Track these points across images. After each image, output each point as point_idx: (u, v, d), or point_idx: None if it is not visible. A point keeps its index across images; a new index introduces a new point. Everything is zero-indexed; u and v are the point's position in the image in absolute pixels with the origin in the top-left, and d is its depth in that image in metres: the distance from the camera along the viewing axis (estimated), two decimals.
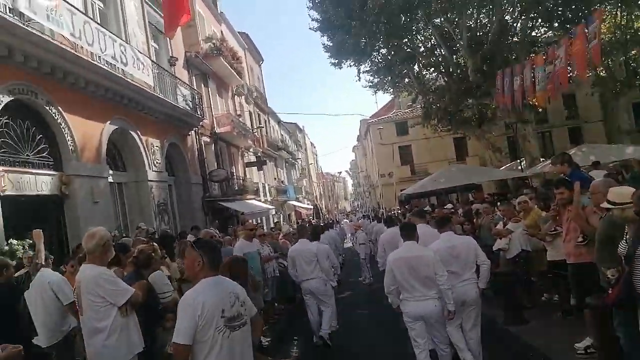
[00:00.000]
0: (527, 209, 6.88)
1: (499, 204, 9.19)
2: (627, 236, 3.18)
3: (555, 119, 35.27)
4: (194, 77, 17.97)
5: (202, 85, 19.11)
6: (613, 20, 21.31)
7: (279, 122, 41.49)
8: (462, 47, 20.75)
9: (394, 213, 20.56)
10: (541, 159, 21.83)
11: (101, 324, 3.29)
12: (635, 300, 2.97)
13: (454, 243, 4.86)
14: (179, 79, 15.42)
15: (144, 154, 12.64)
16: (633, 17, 21.54)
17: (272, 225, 20.60)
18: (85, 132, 10.30)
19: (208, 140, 18.74)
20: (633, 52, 23.38)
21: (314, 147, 78.61)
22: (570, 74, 14.69)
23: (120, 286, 3.41)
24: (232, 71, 21.67)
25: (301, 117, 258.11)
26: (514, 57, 19.91)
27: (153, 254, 3.89)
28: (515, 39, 21.01)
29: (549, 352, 5.06)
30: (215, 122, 19.78)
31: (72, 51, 9.50)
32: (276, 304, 9.63)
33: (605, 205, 3.33)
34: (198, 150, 17.19)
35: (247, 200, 21.78)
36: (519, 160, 22.86)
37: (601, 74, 24.43)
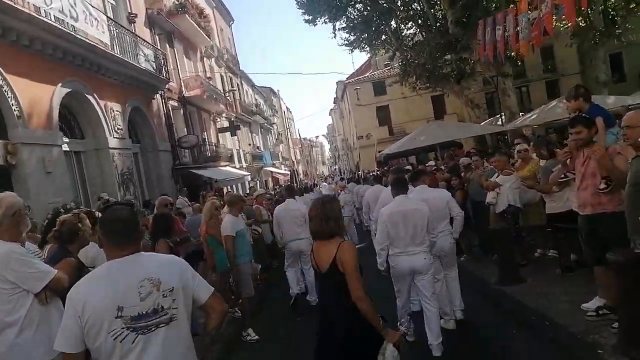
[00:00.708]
0: (527, 158, 6.33)
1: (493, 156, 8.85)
2: None
3: (532, 73, 34.94)
4: (157, 37, 16.70)
5: (168, 46, 17.86)
6: None
7: (252, 86, 40.11)
8: None
9: (374, 173, 20.20)
10: (520, 114, 21.49)
11: (12, 317, 2.56)
12: None
13: (426, 196, 4.86)
14: (140, 37, 14.21)
15: (103, 119, 11.63)
16: None
17: (247, 191, 19.86)
18: (33, 95, 9.25)
19: (176, 104, 17.65)
20: None
21: (290, 111, 77.19)
22: (555, 19, 13.99)
23: (36, 267, 2.65)
24: (200, 31, 20.35)
25: (276, 81, 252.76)
26: (495, 6, 19.07)
27: (80, 225, 3.13)
28: None
29: (554, 314, 4.52)
30: (183, 86, 18.63)
31: (12, 4, 8.35)
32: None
33: None
34: (165, 115, 16.15)
35: (220, 167, 20.91)
36: (498, 116, 22.50)
37: (580, 23, 23.83)
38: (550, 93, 33.71)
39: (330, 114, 78.33)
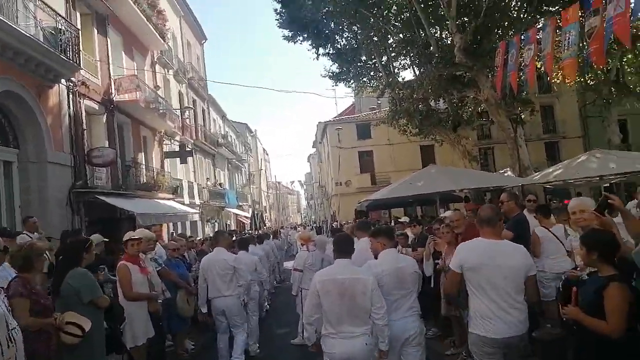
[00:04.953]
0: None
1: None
2: None
3: (531, 133, 31.90)
4: (78, 14, 12.43)
5: (96, 31, 13.58)
6: None
7: (223, 116, 36.03)
8: (449, 16, 16.18)
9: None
10: (534, 169, 17.82)
11: None
12: None
13: (400, 264, 4.01)
14: None
15: None
16: None
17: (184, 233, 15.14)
18: None
19: (96, 107, 13.14)
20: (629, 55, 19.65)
21: (267, 154, 73.28)
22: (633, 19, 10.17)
23: None
24: (149, 26, 16.25)
25: (254, 122, 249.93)
26: (513, 30, 15.63)
27: None
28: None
29: None
30: (112, 86, 14.22)
31: None
32: None
33: None
34: (72, 117, 11.60)
35: (158, 200, 16.22)
36: (507, 169, 18.82)
37: (589, 81, 20.81)
38: (549, 155, 30.68)
39: (308, 160, 74.64)
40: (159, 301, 5.07)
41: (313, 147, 55.47)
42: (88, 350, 3.52)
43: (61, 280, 3.62)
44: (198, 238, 14.54)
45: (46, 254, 5.18)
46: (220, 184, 29.65)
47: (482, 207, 3.89)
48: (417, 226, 7.16)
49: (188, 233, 19.52)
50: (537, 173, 15.27)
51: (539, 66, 12.16)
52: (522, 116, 18.59)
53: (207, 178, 26.44)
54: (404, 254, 6.69)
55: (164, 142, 19.18)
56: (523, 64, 11.51)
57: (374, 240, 4.19)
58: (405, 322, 3.89)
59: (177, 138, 20.82)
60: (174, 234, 15.25)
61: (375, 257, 4.15)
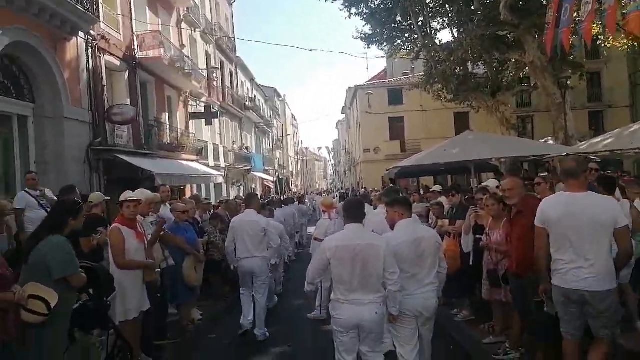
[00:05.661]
0: None
1: None
2: None
3: (575, 101, 30.00)
4: None
5: None
6: None
7: (252, 79, 35.28)
8: None
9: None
10: (577, 140, 16.63)
11: None
12: None
13: (419, 235, 3.79)
14: None
15: None
16: None
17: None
18: None
19: (117, 64, 12.63)
20: None
21: (295, 119, 72.44)
22: None
23: None
24: None
25: (283, 87, 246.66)
26: None
27: None
28: None
29: None
30: (135, 42, 13.66)
31: None
32: None
33: None
34: (91, 72, 11.13)
35: (181, 161, 15.86)
36: (548, 138, 17.59)
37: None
38: (593, 125, 28.86)
39: (337, 127, 73.46)
40: (158, 270, 4.51)
41: (342, 113, 54.29)
42: (48, 331, 2.92)
43: (34, 245, 3.08)
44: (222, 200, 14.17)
45: None
46: (246, 148, 29.24)
47: (564, 159, 3.71)
48: (457, 195, 6.41)
49: (212, 195, 19.27)
50: (584, 142, 14.14)
51: (597, 23, 10.90)
52: (569, 82, 17.19)
53: (234, 141, 26.01)
54: (440, 226, 6.03)
55: (189, 103, 18.68)
56: (578, 19, 10.31)
57: (390, 210, 3.98)
58: (425, 297, 3.72)
59: (203, 99, 20.31)
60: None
61: (392, 228, 3.94)
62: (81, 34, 10.69)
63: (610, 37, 17.34)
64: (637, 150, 12.35)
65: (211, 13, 23.60)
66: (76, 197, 5.01)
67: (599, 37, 16.73)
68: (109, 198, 5.47)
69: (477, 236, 5.30)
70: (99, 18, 10.77)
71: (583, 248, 3.29)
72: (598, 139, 12.98)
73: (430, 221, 7.00)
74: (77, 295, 3.26)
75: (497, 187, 5.87)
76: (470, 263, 5.40)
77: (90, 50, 11.11)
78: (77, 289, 3.16)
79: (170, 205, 6.38)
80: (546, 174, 11.67)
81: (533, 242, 3.88)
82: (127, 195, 4.30)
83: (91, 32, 11.07)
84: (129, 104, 12.67)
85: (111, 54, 12.22)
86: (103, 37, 11.67)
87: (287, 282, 9.06)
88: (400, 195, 5.26)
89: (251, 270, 5.88)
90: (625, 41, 17.88)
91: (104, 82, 11.74)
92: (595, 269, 3.25)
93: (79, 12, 9.85)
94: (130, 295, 4.06)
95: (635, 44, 18.33)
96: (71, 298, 3.13)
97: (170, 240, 5.35)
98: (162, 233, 4.98)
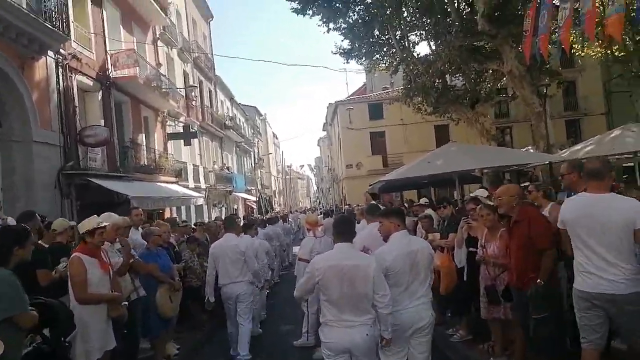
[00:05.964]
0: None
1: None
2: None
3: (551, 110, 30.44)
4: None
5: (90, 3, 12.60)
6: None
7: (231, 98, 35.01)
8: None
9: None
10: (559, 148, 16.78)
11: None
12: None
13: (413, 247, 3.68)
14: None
15: None
16: None
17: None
18: None
19: (90, 84, 12.22)
20: None
21: (277, 138, 72.24)
22: None
23: None
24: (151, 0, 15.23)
25: (263, 105, 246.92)
26: None
27: None
28: None
29: None
30: (109, 61, 13.27)
31: None
32: None
33: None
34: (62, 92, 10.70)
35: (159, 183, 15.38)
36: (530, 147, 17.67)
37: (616, 53, 19.32)
38: (570, 134, 29.27)
39: (318, 144, 73.42)
40: (125, 303, 4.07)
41: (323, 129, 54.28)
42: None
43: None
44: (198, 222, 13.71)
45: None
46: (228, 168, 28.79)
47: (589, 159, 3.76)
48: (448, 207, 6.16)
49: (193, 218, 18.74)
50: (564, 150, 14.19)
51: (575, 30, 10.91)
52: (547, 90, 17.32)
53: (214, 161, 25.57)
54: (431, 240, 5.74)
55: (167, 123, 18.28)
56: (556, 25, 10.31)
57: (385, 221, 3.84)
58: (418, 310, 3.61)
59: (182, 119, 19.92)
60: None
61: (385, 240, 3.83)
62: (51, 53, 10.29)
63: (585, 46, 17.62)
64: (618, 157, 12.41)
65: (188, 31, 23.35)
66: (36, 224, 4.60)
67: (573, 45, 16.96)
68: (74, 223, 5.05)
69: (471, 249, 5.03)
70: (69, 36, 10.40)
71: (601, 250, 3.21)
72: (579, 146, 13.02)
73: (419, 235, 6.72)
74: (30, 337, 2.85)
75: (487, 196, 5.65)
76: (464, 278, 5.11)
77: (60, 69, 10.70)
78: (27, 330, 2.75)
79: (142, 229, 5.96)
80: (528, 183, 11.58)
81: (533, 251, 3.75)
82: (94, 222, 3.89)
83: (61, 51, 10.68)
84: (103, 125, 12.23)
85: (83, 74, 11.81)
86: (74, 56, 11.27)
87: (272, 307, 8.64)
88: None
89: (234, 295, 5.79)
90: (599, 49, 18.17)
91: (76, 103, 11.31)
92: (617, 270, 3.16)
93: (48, 31, 9.48)
94: (93, 333, 3.60)
95: (609, 52, 18.64)
96: (20, 342, 2.72)
97: (141, 268, 4.94)
98: (131, 260, 4.58)
